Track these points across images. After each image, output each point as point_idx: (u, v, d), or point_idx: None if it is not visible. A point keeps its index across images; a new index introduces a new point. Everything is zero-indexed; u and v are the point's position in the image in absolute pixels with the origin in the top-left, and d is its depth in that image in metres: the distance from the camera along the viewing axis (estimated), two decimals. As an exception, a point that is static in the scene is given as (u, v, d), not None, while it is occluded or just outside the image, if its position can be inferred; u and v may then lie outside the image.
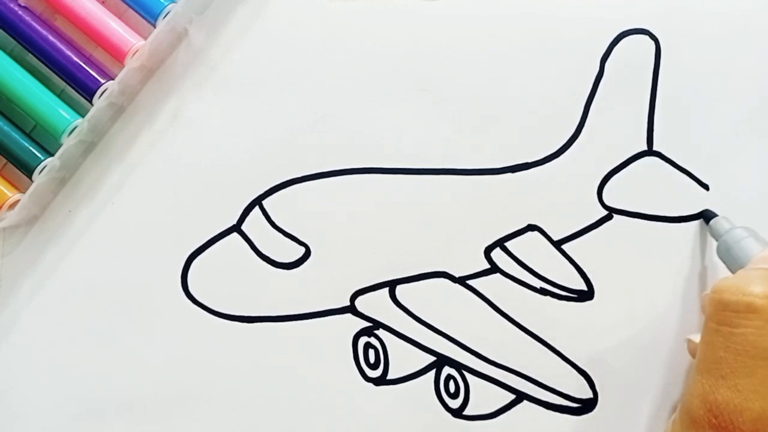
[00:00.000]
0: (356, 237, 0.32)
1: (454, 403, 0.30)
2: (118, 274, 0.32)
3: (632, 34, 0.32)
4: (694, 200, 0.31)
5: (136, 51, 0.32)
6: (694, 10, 0.31)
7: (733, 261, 0.27)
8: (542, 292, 0.31)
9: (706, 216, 0.30)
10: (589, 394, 0.30)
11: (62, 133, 0.32)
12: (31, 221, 0.33)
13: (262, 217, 0.32)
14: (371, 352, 0.31)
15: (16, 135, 0.32)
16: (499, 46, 0.32)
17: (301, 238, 0.32)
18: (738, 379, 0.22)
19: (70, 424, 0.32)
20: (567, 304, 0.30)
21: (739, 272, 0.25)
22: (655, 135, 0.31)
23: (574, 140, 0.31)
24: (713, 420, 0.22)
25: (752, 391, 0.22)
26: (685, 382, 0.25)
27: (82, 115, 0.32)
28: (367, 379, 0.31)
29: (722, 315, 0.23)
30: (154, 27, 0.32)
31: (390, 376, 0.31)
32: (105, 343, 0.32)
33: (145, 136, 0.33)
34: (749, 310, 0.23)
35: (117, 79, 0.32)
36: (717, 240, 0.28)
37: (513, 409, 0.30)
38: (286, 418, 0.31)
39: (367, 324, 0.31)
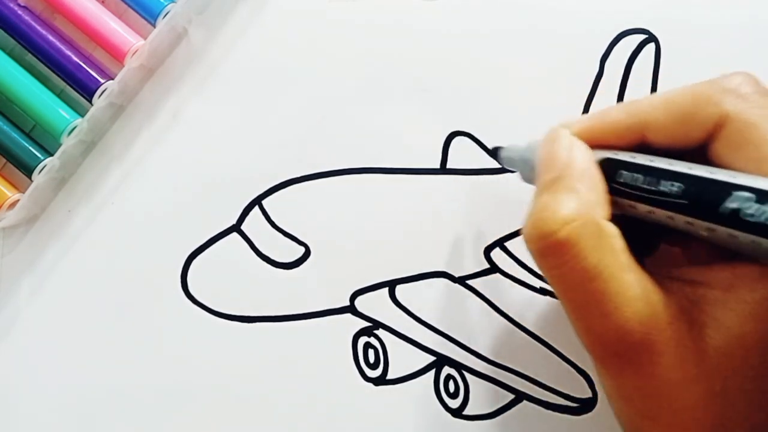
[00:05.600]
0: (356, 237, 0.32)
1: (454, 403, 0.30)
2: (118, 274, 0.32)
3: (632, 34, 0.32)
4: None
5: (136, 51, 0.32)
6: (694, 10, 0.31)
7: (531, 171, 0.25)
8: (542, 292, 0.31)
9: (493, 154, 0.29)
10: (589, 394, 0.30)
11: (62, 132, 0.32)
12: (30, 221, 0.33)
13: (262, 217, 0.32)
14: (371, 352, 0.31)
15: (15, 135, 0.32)
16: (498, 45, 0.32)
17: (300, 238, 0.32)
18: (601, 305, 0.20)
19: (70, 424, 0.32)
20: (567, 304, 0.30)
21: (531, 207, 0.23)
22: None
23: (574, 140, 0.31)
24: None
25: (618, 303, 0.20)
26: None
27: (82, 115, 0.32)
28: (366, 379, 0.31)
29: (546, 263, 0.22)
30: (154, 27, 0.32)
31: (390, 376, 0.31)
32: (105, 343, 0.32)
33: (145, 135, 0.33)
34: (558, 252, 0.21)
35: (117, 78, 0.32)
36: (514, 166, 0.27)
37: (513, 409, 0.30)
38: (286, 418, 0.31)
39: (367, 324, 0.31)
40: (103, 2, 0.33)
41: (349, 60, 0.33)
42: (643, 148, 0.23)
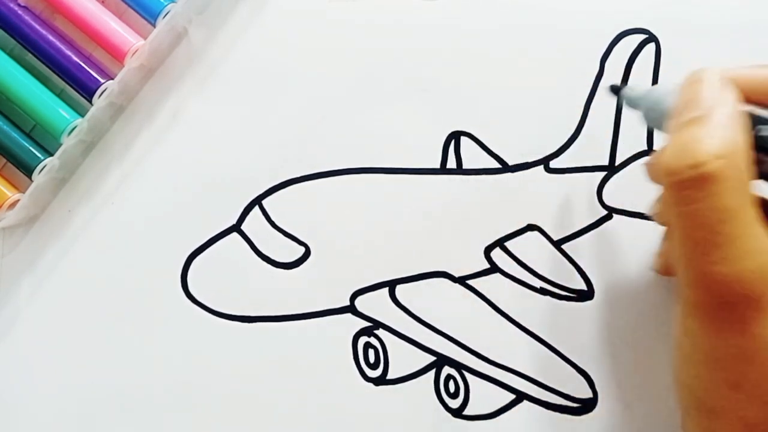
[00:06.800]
0: (356, 237, 0.32)
1: (454, 403, 0.30)
2: (118, 274, 0.32)
3: (632, 34, 0.32)
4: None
5: (136, 51, 0.32)
6: (694, 10, 0.31)
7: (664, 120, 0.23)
8: (542, 292, 0.31)
9: (613, 89, 0.27)
10: (589, 394, 0.30)
11: (62, 132, 0.32)
12: (30, 221, 0.33)
13: (262, 217, 0.32)
14: (371, 352, 0.31)
15: (15, 135, 0.32)
16: (498, 45, 0.32)
17: (300, 238, 0.32)
18: (727, 249, 0.20)
19: (70, 424, 0.32)
20: (567, 304, 0.30)
21: (675, 138, 0.21)
22: (655, 135, 0.31)
23: (574, 140, 0.31)
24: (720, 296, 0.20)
25: (743, 251, 0.20)
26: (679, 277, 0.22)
27: (82, 115, 0.32)
28: (366, 379, 0.31)
29: (682, 196, 0.20)
30: (154, 27, 0.32)
31: (390, 376, 0.31)
32: (105, 343, 0.32)
33: (145, 135, 0.33)
34: (699, 185, 0.19)
35: (117, 78, 0.32)
36: (638, 107, 0.25)
37: (513, 409, 0.30)
38: (286, 418, 0.31)
39: (367, 324, 0.31)
40: (103, 2, 0.33)
41: (349, 60, 0.33)
42: None
